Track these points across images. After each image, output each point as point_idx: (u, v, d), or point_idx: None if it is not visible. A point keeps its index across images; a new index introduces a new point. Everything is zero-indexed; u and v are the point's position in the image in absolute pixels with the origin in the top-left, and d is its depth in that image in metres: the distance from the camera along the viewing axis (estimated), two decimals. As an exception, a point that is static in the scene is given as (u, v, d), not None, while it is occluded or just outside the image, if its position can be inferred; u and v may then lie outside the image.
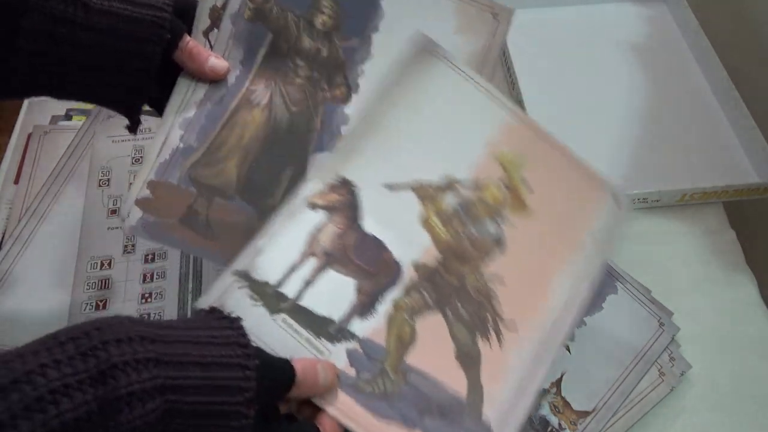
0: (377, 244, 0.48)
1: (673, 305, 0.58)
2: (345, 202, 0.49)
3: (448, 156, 0.52)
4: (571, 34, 0.81)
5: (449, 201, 0.51)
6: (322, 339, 0.44)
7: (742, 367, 0.58)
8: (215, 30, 0.49)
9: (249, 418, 0.34)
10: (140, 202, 0.45)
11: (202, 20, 0.48)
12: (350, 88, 0.51)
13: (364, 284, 0.47)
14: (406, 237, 0.49)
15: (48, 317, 0.57)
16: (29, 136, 0.70)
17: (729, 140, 0.71)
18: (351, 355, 0.44)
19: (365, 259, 0.48)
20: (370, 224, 0.48)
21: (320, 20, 0.51)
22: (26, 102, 0.74)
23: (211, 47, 0.48)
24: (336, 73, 0.51)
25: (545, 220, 0.51)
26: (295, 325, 0.43)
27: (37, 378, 0.28)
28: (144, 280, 0.60)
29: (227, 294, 0.43)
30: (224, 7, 0.49)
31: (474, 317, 0.48)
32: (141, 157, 0.68)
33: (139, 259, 0.61)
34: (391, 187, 0.50)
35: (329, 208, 0.48)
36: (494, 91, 0.54)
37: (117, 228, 0.63)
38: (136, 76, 0.43)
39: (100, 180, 0.66)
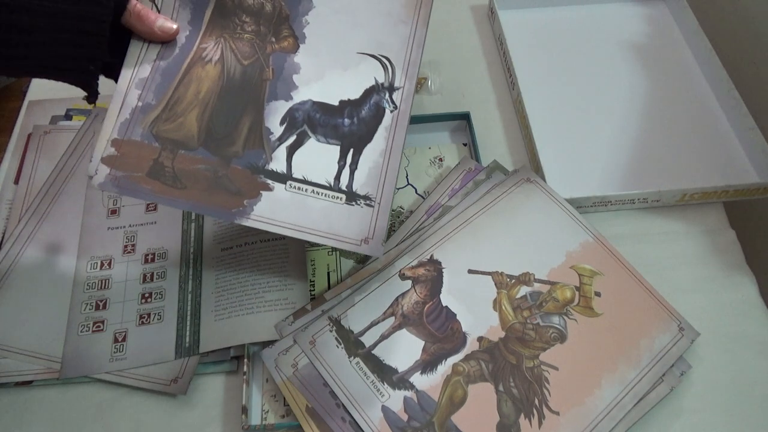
0: (449, 315, 0.56)
1: (673, 305, 0.58)
2: (430, 276, 0.58)
3: (530, 258, 0.59)
4: (572, 34, 0.81)
5: (522, 291, 0.58)
6: (385, 384, 0.52)
7: (742, 367, 0.58)
8: None
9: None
10: (106, 160, 0.48)
11: None
12: (297, 39, 0.54)
13: (430, 346, 0.54)
14: (476, 313, 0.56)
15: (48, 317, 0.58)
16: (29, 136, 0.70)
17: (729, 140, 0.71)
18: (407, 401, 0.52)
19: (436, 326, 0.56)
20: (447, 298, 0.57)
21: None
22: (26, 102, 0.74)
23: (158, 10, 0.51)
24: (282, 26, 0.55)
25: (607, 325, 0.57)
26: (366, 369, 0.53)
27: None
28: (144, 280, 0.60)
29: (320, 333, 0.54)
30: None
31: (523, 396, 0.53)
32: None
33: (139, 259, 0.61)
34: (473, 271, 0.58)
35: (416, 279, 0.58)
36: (579, 217, 0.62)
37: (117, 228, 0.63)
38: (87, 42, 0.44)
39: (100, 180, 0.66)
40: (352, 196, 0.51)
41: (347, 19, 0.55)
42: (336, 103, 0.53)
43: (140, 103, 0.49)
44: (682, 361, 0.55)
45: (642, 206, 0.67)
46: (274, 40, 0.54)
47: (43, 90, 0.75)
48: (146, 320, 0.57)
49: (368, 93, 0.54)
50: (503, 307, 0.57)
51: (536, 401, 0.52)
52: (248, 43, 0.53)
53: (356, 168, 0.52)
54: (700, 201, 0.67)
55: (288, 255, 0.60)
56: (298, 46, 0.54)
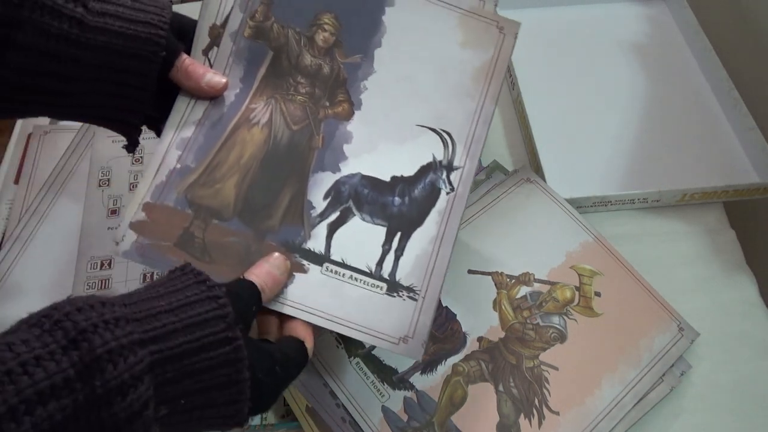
0: (449, 315, 0.56)
1: (673, 305, 0.58)
2: None
3: (530, 258, 0.59)
4: (571, 34, 0.81)
5: (522, 291, 0.57)
6: (385, 384, 0.52)
7: (742, 367, 0.58)
8: (215, 48, 0.48)
9: (238, 339, 0.35)
10: (135, 225, 0.45)
11: (201, 39, 0.48)
12: (353, 105, 0.50)
13: (430, 346, 0.53)
14: (476, 314, 0.56)
15: (48, 317, 0.58)
16: (29, 136, 0.70)
17: (729, 140, 0.71)
18: (407, 402, 0.52)
19: (436, 326, 0.55)
20: (447, 299, 0.56)
21: (321, 37, 0.50)
22: (26, 102, 0.74)
23: (211, 66, 0.48)
24: (338, 90, 0.50)
25: (607, 325, 0.56)
26: (366, 369, 0.52)
27: (4, 354, 0.27)
28: (144, 280, 0.60)
29: (320, 333, 0.48)
30: (224, 25, 0.49)
31: (523, 396, 0.53)
32: (141, 157, 0.68)
33: (139, 259, 0.61)
34: (473, 271, 0.58)
35: None
36: (579, 217, 0.61)
37: (117, 228, 0.63)
38: (131, 95, 0.43)
39: (100, 180, 0.66)
40: (394, 287, 0.45)
41: (409, 87, 0.50)
42: (387, 179, 0.48)
43: (179, 165, 0.46)
44: (682, 361, 0.55)
45: (642, 206, 0.67)
46: (328, 104, 0.50)
47: (43, 90, 0.75)
48: (146, 320, 0.57)
49: (424, 170, 0.48)
50: (503, 308, 0.57)
51: (536, 401, 0.52)
52: (300, 107, 0.49)
53: (402, 254, 0.47)
54: (700, 201, 0.67)
55: (288, 255, 0.60)
56: (353, 113, 0.49)
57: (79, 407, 0.28)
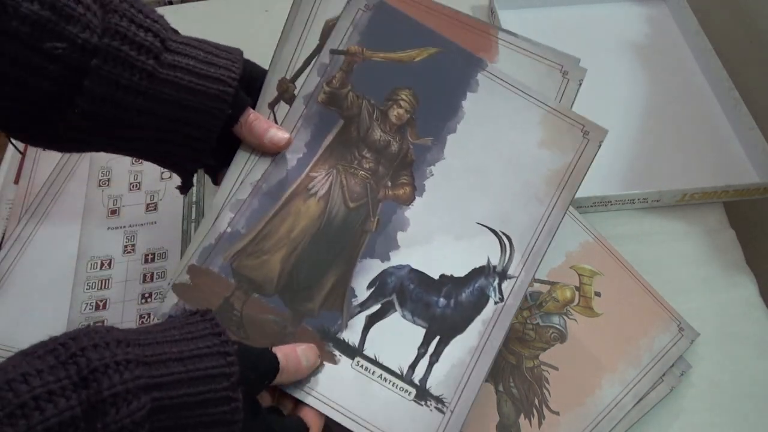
0: None
1: (673, 305, 0.58)
2: None
3: None
4: (572, 33, 0.81)
5: None
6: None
7: (742, 367, 0.58)
8: (281, 102, 0.47)
9: (237, 401, 0.35)
10: (177, 288, 0.44)
11: (268, 92, 0.47)
12: (415, 189, 0.47)
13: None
14: None
15: (48, 317, 0.57)
16: (29, 136, 0.70)
17: (729, 140, 0.71)
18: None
19: None
20: None
21: (395, 113, 0.48)
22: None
23: (275, 119, 0.47)
24: (403, 171, 0.48)
25: (607, 325, 0.55)
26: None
27: (19, 386, 0.28)
28: (144, 280, 0.60)
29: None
30: (294, 79, 0.48)
31: (523, 396, 0.52)
32: (141, 157, 0.68)
33: (139, 259, 0.61)
34: None
35: None
36: (579, 217, 0.59)
37: (117, 228, 0.63)
38: (193, 146, 0.43)
39: (100, 180, 0.66)
40: (423, 394, 0.43)
41: (477, 180, 0.47)
42: (436, 277, 0.46)
43: (229, 230, 0.45)
44: (682, 361, 0.55)
45: (642, 206, 0.67)
46: (390, 184, 0.47)
47: (43, 90, 0.75)
48: (146, 320, 0.57)
49: (475, 274, 0.46)
50: None
51: (536, 401, 0.52)
52: (361, 182, 0.47)
53: (437, 361, 0.44)
54: (700, 201, 0.67)
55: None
56: (414, 198, 0.47)
57: None
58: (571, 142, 0.48)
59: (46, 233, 0.63)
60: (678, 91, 0.75)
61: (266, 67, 0.48)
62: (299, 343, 0.42)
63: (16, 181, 0.67)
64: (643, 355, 0.54)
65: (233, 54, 0.44)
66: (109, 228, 0.63)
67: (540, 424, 0.51)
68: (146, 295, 0.59)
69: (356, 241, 0.46)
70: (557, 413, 0.52)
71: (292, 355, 0.41)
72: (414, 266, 0.46)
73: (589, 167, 0.48)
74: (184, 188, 0.47)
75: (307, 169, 0.47)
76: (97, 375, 0.30)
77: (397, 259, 0.46)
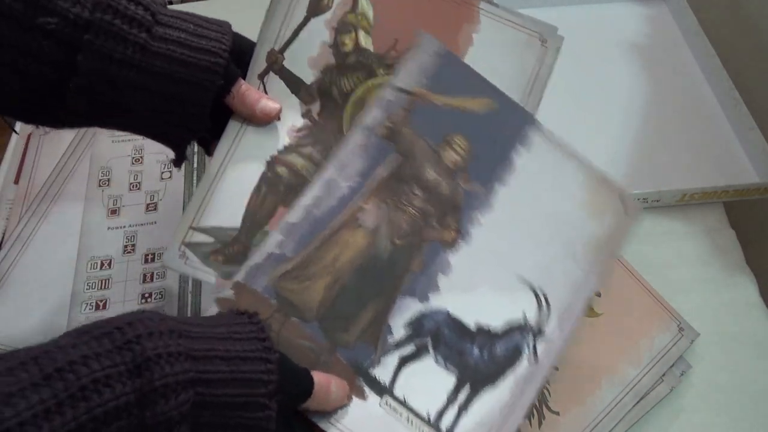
0: None
1: (673, 305, 0.58)
2: None
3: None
4: (572, 34, 0.81)
5: None
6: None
7: (742, 367, 0.58)
8: (270, 73, 0.48)
9: (271, 409, 0.35)
10: (221, 302, 0.44)
11: (258, 63, 0.48)
12: (461, 234, 0.48)
13: None
14: None
15: (48, 317, 0.57)
16: (29, 136, 0.70)
17: (729, 140, 0.71)
18: None
19: None
20: None
21: (450, 156, 0.49)
22: (26, 102, 0.74)
23: (265, 90, 0.48)
24: (450, 214, 0.48)
25: (607, 325, 0.55)
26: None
27: (80, 368, 0.28)
28: (144, 280, 0.60)
29: None
30: (282, 50, 0.48)
31: None
32: (141, 157, 0.68)
33: (139, 259, 0.61)
34: None
35: None
36: None
37: (117, 228, 0.63)
38: (186, 118, 0.43)
39: (100, 180, 0.66)
40: None
41: (521, 235, 0.48)
42: (472, 326, 0.46)
43: (277, 251, 0.45)
44: (682, 360, 0.55)
45: (642, 206, 0.67)
46: (437, 226, 0.48)
47: (43, 90, 0.75)
48: (146, 320, 0.57)
49: (512, 329, 0.46)
50: None
51: (536, 401, 0.52)
52: (409, 219, 0.48)
53: (466, 412, 0.44)
54: (700, 201, 0.67)
55: (288, 255, 0.60)
56: (459, 243, 0.48)
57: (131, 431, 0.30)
58: (612, 211, 0.50)
59: (46, 233, 0.63)
60: (678, 91, 0.75)
61: (255, 40, 0.49)
62: (335, 376, 0.42)
63: (16, 181, 0.67)
64: (643, 355, 0.54)
65: (223, 26, 0.44)
66: (109, 228, 0.63)
67: (540, 424, 0.51)
68: (146, 295, 0.59)
69: (398, 278, 0.46)
70: (557, 413, 0.52)
71: (325, 384, 0.41)
72: (451, 312, 0.46)
73: (625, 239, 0.49)
74: (178, 161, 0.47)
75: (358, 200, 0.47)
76: (151, 364, 0.30)
77: (436, 301, 0.46)
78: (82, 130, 0.69)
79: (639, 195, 0.65)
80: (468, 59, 0.50)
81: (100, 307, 0.58)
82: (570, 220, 0.49)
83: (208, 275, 0.44)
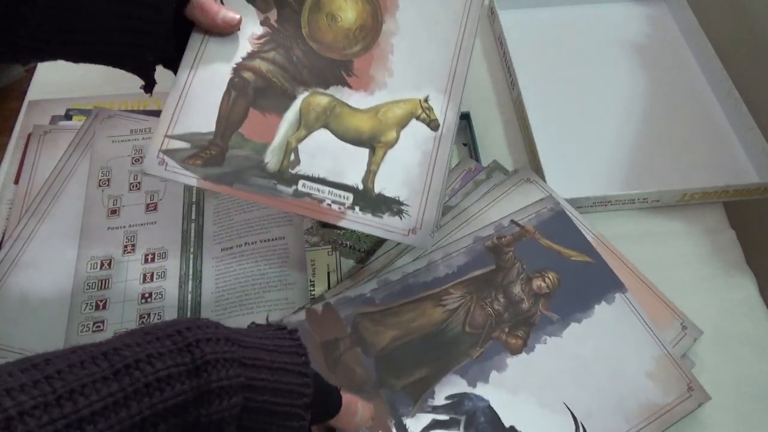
0: None
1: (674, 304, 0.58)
2: None
3: None
4: (572, 34, 0.81)
5: None
6: None
7: (742, 367, 0.58)
8: None
9: (305, 420, 0.37)
10: (310, 312, 0.53)
11: None
12: (526, 346, 0.53)
13: None
14: None
15: (48, 317, 0.57)
16: (29, 136, 0.70)
17: (729, 140, 0.71)
18: None
19: None
20: None
21: (538, 284, 0.56)
22: (26, 102, 0.74)
23: (222, 2, 0.49)
24: (523, 326, 0.54)
25: None
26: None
27: (145, 366, 0.30)
28: (144, 280, 0.60)
29: None
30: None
31: None
32: (141, 157, 0.68)
33: (139, 259, 0.61)
34: None
35: None
36: (579, 217, 0.62)
37: (117, 228, 0.63)
38: (147, 30, 0.44)
39: (100, 180, 0.66)
40: None
41: (581, 371, 0.52)
42: (507, 425, 0.49)
43: (368, 295, 0.54)
44: (686, 359, 0.55)
45: (642, 206, 0.67)
46: (507, 330, 0.53)
47: (44, 90, 0.75)
48: (146, 320, 0.57)
49: None
50: None
51: None
52: (484, 316, 0.54)
53: None
54: (700, 201, 0.67)
55: (288, 255, 0.60)
56: (521, 353, 0.53)
57: (186, 429, 0.32)
58: (676, 390, 0.52)
59: (46, 233, 0.62)
60: (678, 91, 0.75)
61: None
62: (361, 399, 0.44)
63: (16, 181, 0.67)
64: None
65: None
66: (109, 228, 0.63)
67: None
68: (146, 295, 0.59)
69: (457, 357, 0.52)
70: None
71: (353, 404, 0.43)
72: (492, 404, 0.50)
73: (679, 419, 0.51)
74: (149, 86, 0.48)
75: (449, 285, 0.55)
76: (208, 367, 0.32)
77: (482, 390, 0.51)
78: (83, 129, 0.69)
79: (639, 195, 0.65)
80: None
81: (100, 307, 0.58)
82: (633, 382, 0.52)
83: (189, 178, 0.46)
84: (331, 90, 0.50)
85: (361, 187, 0.49)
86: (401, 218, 0.49)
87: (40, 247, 0.62)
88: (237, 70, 0.49)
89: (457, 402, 0.50)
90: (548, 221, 0.59)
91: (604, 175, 0.68)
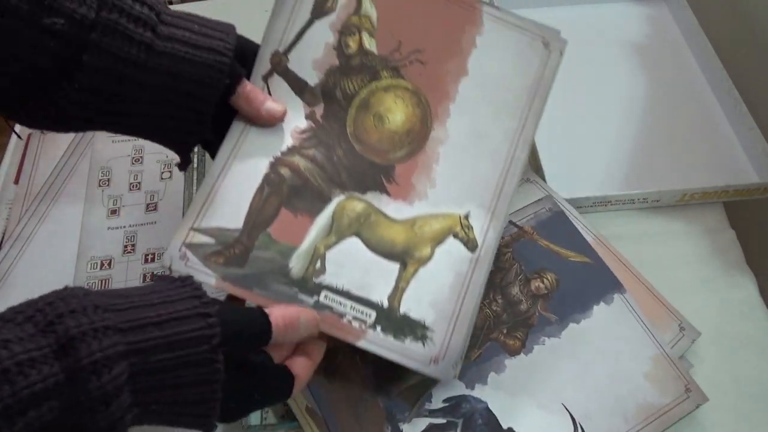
0: None
1: (673, 305, 0.58)
2: None
3: None
4: (571, 34, 0.81)
5: None
6: None
7: (742, 367, 0.58)
8: (274, 75, 0.48)
9: (218, 362, 0.35)
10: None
11: (262, 64, 0.48)
12: (524, 348, 0.52)
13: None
14: None
15: (48, 317, 0.57)
16: (29, 136, 0.70)
17: (729, 140, 0.71)
18: None
19: None
20: None
21: (536, 284, 0.55)
22: (26, 102, 0.74)
23: (269, 92, 0.48)
24: (521, 328, 0.53)
25: None
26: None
27: (1, 351, 0.28)
28: (144, 280, 0.60)
29: None
30: (286, 52, 0.48)
31: None
32: (141, 157, 0.68)
33: (139, 259, 0.61)
34: None
35: None
36: (579, 217, 0.61)
37: (117, 228, 0.63)
38: (191, 118, 0.43)
39: (100, 180, 0.66)
40: None
41: (578, 368, 0.52)
42: (504, 427, 0.49)
43: None
44: (683, 360, 0.55)
45: (642, 206, 0.67)
46: (505, 331, 0.53)
47: (43, 90, 0.75)
48: (146, 320, 0.57)
49: None
50: None
51: None
52: (482, 317, 0.53)
53: None
54: (700, 201, 0.67)
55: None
56: (519, 354, 0.52)
57: (65, 411, 0.30)
58: (673, 391, 0.52)
59: (46, 233, 0.63)
60: (678, 91, 0.75)
61: (257, 41, 0.49)
62: (303, 308, 0.42)
63: (16, 181, 0.67)
64: None
65: (226, 27, 0.44)
66: (109, 228, 0.63)
67: None
68: (146, 295, 0.59)
69: None
70: None
71: (293, 316, 0.41)
72: (491, 407, 0.50)
73: (677, 421, 0.51)
74: (183, 164, 0.47)
75: None
76: (75, 343, 0.30)
77: (479, 392, 0.50)
78: (82, 130, 0.69)
79: (639, 195, 0.65)
80: (471, 62, 0.50)
81: (100, 307, 0.58)
82: (631, 383, 0.52)
83: (208, 276, 0.44)
84: (368, 196, 0.48)
85: (386, 304, 0.45)
86: (424, 344, 0.45)
87: (40, 247, 0.62)
88: (274, 165, 0.47)
89: (454, 404, 0.49)
90: (546, 222, 0.59)
91: (604, 175, 0.68)
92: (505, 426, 0.49)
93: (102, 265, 0.61)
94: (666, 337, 0.55)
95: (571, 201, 0.63)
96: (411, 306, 0.45)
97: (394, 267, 0.46)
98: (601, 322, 0.54)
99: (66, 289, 0.33)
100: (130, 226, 0.63)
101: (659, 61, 0.78)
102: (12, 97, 0.39)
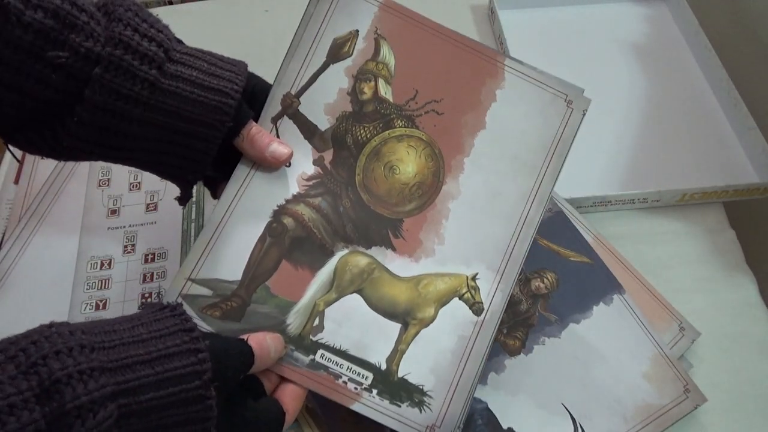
0: None
1: (673, 305, 0.58)
2: None
3: None
4: (572, 34, 0.81)
5: None
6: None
7: (742, 367, 0.58)
8: (284, 117, 0.47)
9: (210, 399, 0.34)
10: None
11: (272, 106, 0.47)
12: (524, 348, 0.53)
13: None
14: None
15: (48, 317, 0.57)
16: (29, 136, 0.70)
17: (729, 140, 0.71)
18: None
19: None
20: None
21: (536, 284, 0.55)
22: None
23: (278, 134, 0.47)
24: (521, 327, 0.54)
25: None
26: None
27: None
28: (144, 280, 0.60)
29: None
30: (299, 94, 0.48)
31: None
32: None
33: (139, 259, 0.61)
34: None
35: None
36: (579, 217, 0.61)
37: (117, 228, 0.63)
38: (192, 158, 0.42)
39: (100, 180, 0.66)
40: None
41: (579, 370, 0.52)
42: (504, 427, 0.49)
43: None
44: (683, 360, 0.55)
45: (642, 206, 0.67)
46: (505, 332, 0.53)
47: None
48: (146, 320, 0.57)
49: None
50: None
51: None
52: None
53: None
54: (700, 201, 0.67)
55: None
56: (519, 354, 0.52)
57: None
58: (672, 391, 0.52)
59: (46, 233, 0.63)
60: (678, 91, 0.75)
61: (271, 81, 0.48)
62: (266, 333, 0.42)
63: (16, 181, 0.67)
64: None
65: (238, 66, 0.43)
66: (109, 228, 0.63)
67: None
68: (146, 295, 0.59)
69: None
70: None
71: (263, 344, 0.41)
72: (491, 406, 0.50)
73: (676, 421, 0.51)
74: (183, 200, 0.47)
75: None
76: (60, 386, 0.29)
77: (479, 392, 0.50)
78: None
79: (639, 195, 0.65)
80: (490, 116, 0.49)
81: (100, 307, 0.58)
82: (630, 383, 0.52)
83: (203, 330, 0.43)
84: (373, 251, 0.46)
85: (384, 366, 0.44)
86: (421, 411, 0.43)
87: (40, 247, 0.62)
88: (278, 213, 0.46)
89: None
90: (546, 222, 0.58)
91: (603, 175, 0.68)
92: (505, 426, 0.49)
93: (102, 265, 0.61)
94: (666, 337, 0.55)
95: (571, 201, 0.63)
96: (410, 369, 0.44)
97: (395, 327, 0.45)
98: (601, 322, 0.54)
99: (51, 325, 0.32)
100: (130, 226, 0.63)
101: (659, 61, 0.78)
102: (12, 126, 0.38)
